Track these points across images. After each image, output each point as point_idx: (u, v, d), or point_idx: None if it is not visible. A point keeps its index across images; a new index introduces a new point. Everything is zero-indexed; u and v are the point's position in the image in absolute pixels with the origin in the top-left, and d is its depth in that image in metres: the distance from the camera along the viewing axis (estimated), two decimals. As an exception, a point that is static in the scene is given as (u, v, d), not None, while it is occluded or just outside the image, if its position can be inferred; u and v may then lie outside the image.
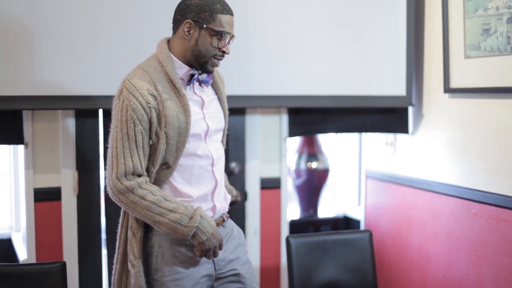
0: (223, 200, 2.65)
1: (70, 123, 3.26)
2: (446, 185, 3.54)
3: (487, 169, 3.28)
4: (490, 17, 3.22)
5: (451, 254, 3.50)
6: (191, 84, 2.53)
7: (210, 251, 2.46)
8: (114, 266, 2.59)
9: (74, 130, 3.26)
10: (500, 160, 3.21)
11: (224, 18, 2.45)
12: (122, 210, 2.57)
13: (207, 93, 2.61)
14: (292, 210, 4.41)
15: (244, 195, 3.67)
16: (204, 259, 2.52)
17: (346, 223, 4.59)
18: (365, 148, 4.39)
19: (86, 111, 3.25)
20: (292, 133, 3.83)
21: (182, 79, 2.51)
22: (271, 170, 3.79)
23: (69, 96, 3.09)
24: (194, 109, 2.50)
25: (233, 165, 3.59)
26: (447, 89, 3.52)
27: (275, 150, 3.80)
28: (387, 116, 3.88)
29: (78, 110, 3.24)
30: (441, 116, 3.61)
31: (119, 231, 2.59)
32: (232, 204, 3.57)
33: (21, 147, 3.34)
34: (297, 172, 4.39)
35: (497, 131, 3.23)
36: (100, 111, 3.28)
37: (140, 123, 2.38)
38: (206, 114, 2.55)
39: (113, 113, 2.45)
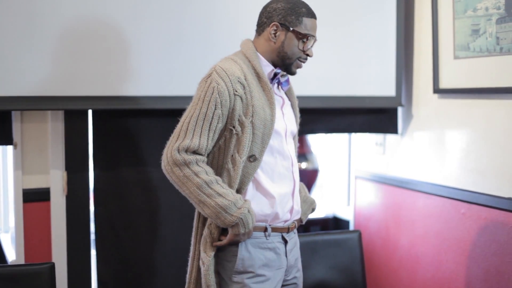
0: (299, 204, 2.65)
1: (59, 123, 3.24)
2: (435, 185, 3.55)
3: (476, 169, 3.30)
4: (479, 17, 3.23)
5: (440, 254, 3.51)
6: (273, 84, 2.58)
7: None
8: (189, 263, 2.60)
9: (63, 131, 3.25)
10: (489, 161, 3.23)
11: (309, 21, 2.53)
12: (196, 210, 2.58)
13: (284, 96, 2.66)
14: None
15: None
16: (282, 264, 2.56)
17: (335, 224, 4.59)
18: (354, 148, 4.40)
19: (76, 111, 3.23)
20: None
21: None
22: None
23: (58, 97, 3.06)
24: (276, 106, 2.54)
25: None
26: (437, 90, 3.53)
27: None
28: (377, 117, 3.88)
29: (68, 111, 3.22)
30: (431, 116, 3.63)
31: (194, 228, 2.59)
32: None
33: (10, 148, 3.32)
34: (287, 172, 4.39)
35: (486, 132, 3.24)
36: (90, 112, 3.27)
37: (221, 107, 2.40)
38: (284, 114, 2.60)
39: (195, 93, 2.49)
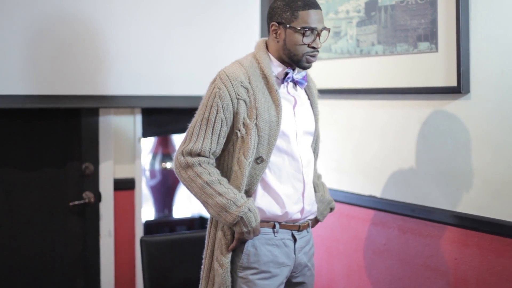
0: (312, 204, 2.63)
1: None
2: (299, 184, 3.61)
3: (339, 168, 3.38)
4: (340, 20, 3.32)
5: (304, 251, 3.58)
6: (286, 83, 2.56)
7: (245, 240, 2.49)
8: (203, 261, 2.62)
9: None
10: (351, 159, 3.32)
11: (306, 14, 2.44)
12: None
13: (300, 95, 2.63)
14: (147, 211, 4.36)
15: (97, 197, 3.59)
16: (289, 261, 2.55)
17: (201, 223, 4.59)
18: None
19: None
20: (146, 134, 3.79)
21: (277, 77, 2.55)
22: (125, 171, 3.74)
23: None
24: (285, 107, 2.53)
25: (86, 166, 3.52)
26: (300, 90, 3.60)
27: (129, 151, 3.74)
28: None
29: None
30: (294, 116, 3.68)
31: (208, 227, 2.62)
32: (85, 205, 3.50)
33: None
34: (152, 173, 4.35)
35: (348, 131, 3.33)
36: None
37: (223, 111, 2.45)
38: (296, 114, 2.57)
39: (203, 98, 2.54)
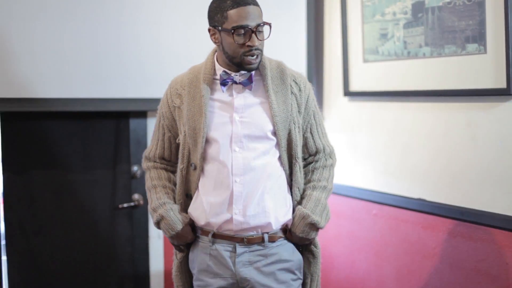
0: (255, 217, 2.42)
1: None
2: (347, 187, 3.60)
3: (387, 171, 3.36)
4: (387, 22, 3.29)
5: (352, 255, 3.56)
6: (228, 85, 2.44)
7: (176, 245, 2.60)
8: None
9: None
10: (398, 162, 3.29)
11: (235, 12, 2.30)
12: None
13: (252, 96, 2.47)
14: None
15: (146, 199, 3.62)
16: (225, 273, 2.45)
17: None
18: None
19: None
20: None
21: (218, 80, 2.46)
22: (174, 174, 3.76)
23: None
24: (219, 112, 2.44)
25: (135, 168, 3.55)
26: (347, 93, 3.58)
27: (176, 154, 3.77)
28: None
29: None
30: (341, 119, 3.67)
31: None
32: (134, 208, 3.54)
33: None
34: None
35: (395, 134, 3.31)
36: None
37: (163, 118, 2.58)
38: (237, 119, 2.43)
39: None
